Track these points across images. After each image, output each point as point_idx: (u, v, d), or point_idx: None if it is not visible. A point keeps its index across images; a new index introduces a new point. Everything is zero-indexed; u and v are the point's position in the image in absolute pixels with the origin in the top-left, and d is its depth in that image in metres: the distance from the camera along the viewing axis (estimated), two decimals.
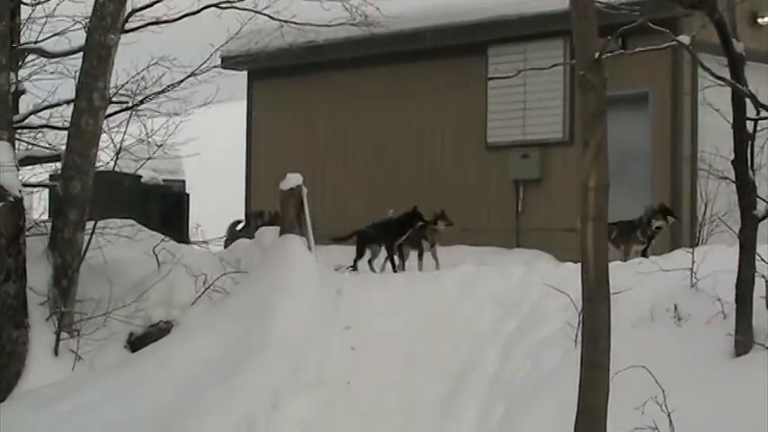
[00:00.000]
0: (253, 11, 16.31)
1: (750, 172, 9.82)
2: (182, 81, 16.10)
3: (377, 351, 11.74)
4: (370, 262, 15.51)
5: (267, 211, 18.11)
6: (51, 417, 11.09)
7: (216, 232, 17.92)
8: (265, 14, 16.51)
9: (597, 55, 7.66)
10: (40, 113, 15.52)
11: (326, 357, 11.63)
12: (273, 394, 10.89)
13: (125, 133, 14.38)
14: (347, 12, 16.91)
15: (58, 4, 15.53)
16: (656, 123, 17.23)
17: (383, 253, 15.41)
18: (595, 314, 7.73)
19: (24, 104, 15.49)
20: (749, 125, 9.80)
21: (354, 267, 15.25)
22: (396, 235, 15.30)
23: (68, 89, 14.91)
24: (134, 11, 14.76)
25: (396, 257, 15.32)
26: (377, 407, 10.93)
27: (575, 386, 7.81)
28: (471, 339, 11.67)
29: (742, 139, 9.79)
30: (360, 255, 15.44)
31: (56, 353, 12.41)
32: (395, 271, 15.11)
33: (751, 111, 9.64)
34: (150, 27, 15.47)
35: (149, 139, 15.86)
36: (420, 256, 15.39)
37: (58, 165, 14.65)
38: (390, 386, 11.20)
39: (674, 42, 8.36)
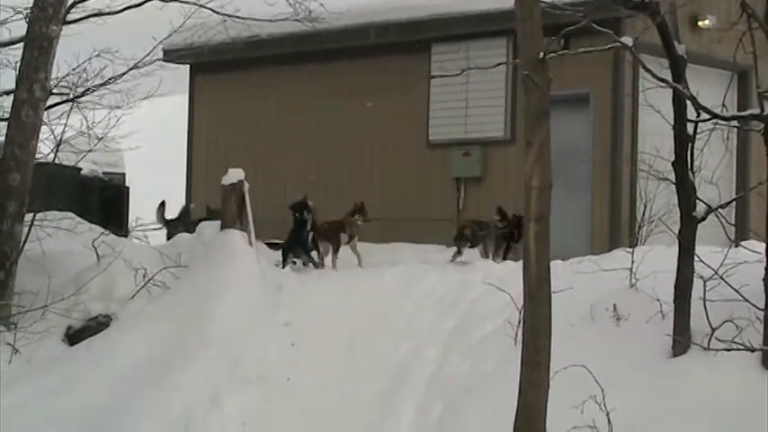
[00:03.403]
0: (196, 4, 16.19)
1: (690, 173, 9.91)
2: (124, 74, 16.00)
3: (317, 348, 11.72)
4: (294, 261, 14.84)
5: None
6: None
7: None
8: (209, 8, 16.38)
9: (542, 55, 7.69)
10: None
11: (266, 354, 11.59)
12: (212, 390, 10.84)
13: (65, 125, 14.28)
14: (291, 7, 16.86)
15: None
16: (597, 124, 17.28)
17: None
18: (536, 312, 7.76)
19: None
20: (689, 127, 9.89)
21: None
22: (297, 233, 14.79)
23: (9, 80, 14.78)
24: (76, 2, 14.61)
25: (314, 253, 14.71)
26: (316, 404, 10.92)
27: (514, 385, 7.85)
28: (411, 337, 11.69)
29: (682, 141, 9.87)
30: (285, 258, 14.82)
31: None
32: (304, 265, 14.54)
33: (691, 113, 9.72)
34: (92, 19, 15.32)
35: (90, 132, 15.75)
36: (335, 251, 14.67)
37: None
38: (330, 383, 11.19)
39: (617, 43, 8.40)
